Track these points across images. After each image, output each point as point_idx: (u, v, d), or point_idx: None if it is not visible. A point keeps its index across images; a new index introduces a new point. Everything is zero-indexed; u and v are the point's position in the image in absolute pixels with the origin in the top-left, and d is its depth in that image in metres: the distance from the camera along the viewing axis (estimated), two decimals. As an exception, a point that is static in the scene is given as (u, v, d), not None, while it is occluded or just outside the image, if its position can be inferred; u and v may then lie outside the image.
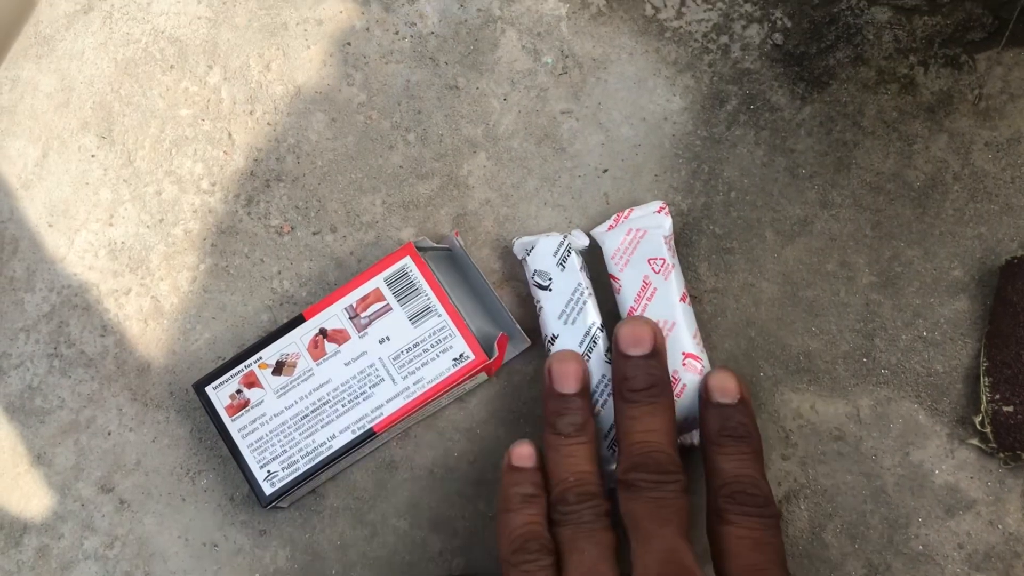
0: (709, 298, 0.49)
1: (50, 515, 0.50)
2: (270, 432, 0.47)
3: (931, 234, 0.48)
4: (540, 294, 0.47)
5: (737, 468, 0.42)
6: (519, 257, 0.49)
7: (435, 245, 0.49)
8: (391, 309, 0.48)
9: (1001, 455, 0.45)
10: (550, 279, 0.47)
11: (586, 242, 0.48)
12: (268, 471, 0.46)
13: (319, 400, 0.47)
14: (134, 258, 0.52)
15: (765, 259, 0.49)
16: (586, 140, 0.51)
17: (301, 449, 0.46)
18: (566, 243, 0.47)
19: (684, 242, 0.50)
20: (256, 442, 0.47)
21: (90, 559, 0.49)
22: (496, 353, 0.47)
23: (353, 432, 0.46)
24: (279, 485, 0.46)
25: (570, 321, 0.47)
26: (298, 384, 0.47)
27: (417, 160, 0.52)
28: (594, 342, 0.46)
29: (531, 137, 0.51)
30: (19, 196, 0.53)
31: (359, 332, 0.47)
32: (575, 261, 0.47)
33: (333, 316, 0.48)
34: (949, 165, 0.49)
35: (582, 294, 0.47)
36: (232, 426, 0.47)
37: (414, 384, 0.47)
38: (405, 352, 0.47)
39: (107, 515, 0.50)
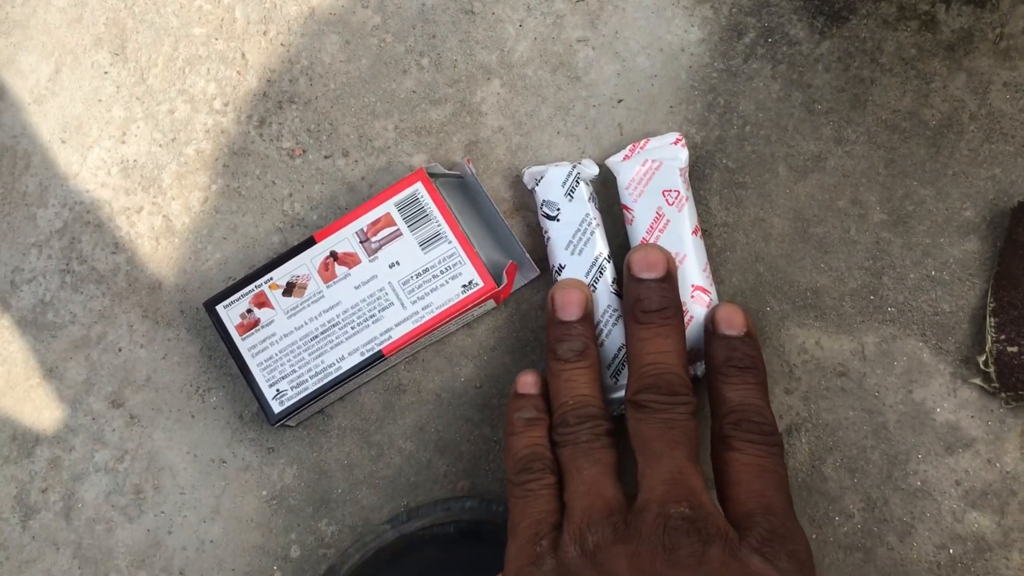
0: (719, 232, 0.49)
1: (62, 428, 0.51)
2: (280, 352, 0.47)
3: (944, 174, 0.48)
4: (548, 224, 0.47)
5: (742, 397, 0.43)
6: (528, 187, 0.49)
7: (447, 172, 0.49)
8: (401, 234, 0.48)
9: (1003, 395, 0.46)
10: (558, 209, 0.47)
11: (595, 171, 0.48)
12: (277, 390, 0.47)
13: (329, 322, 0.47)
14: (146, 176, 0.52)
15: (777, 194, 0.49)
16: (602, 69, 0.51)
17: (310, 369, 0.47)
18: (575, 173, 0.47)
19: (697, 175, 0.49)
20: (265, 361, 0.47)
21: (100, 471, 0.50)
22: (505, 281, 0.48)
23: (362, 354, 0.47)
24: (288, 404, 0.47)
25: (577, 251, 0.47)
26: (308, 305, 0.48)
27: (430, 85, 0.51)
28: (600, 272, 0.46)
29: (546, 65, 0.51)
30: (32, 111, 0.53)
31: (369, 256, 0.48)
32: (583, 191, 0.47)
33: (344, 239, 0.48)
34: (966, 105, 0.48)
35: (590, 224, 0.47)
36: (242, 345, 0.48)
37: (423, 309, 0.47)
38: (415, 277, 0.47)
39: (117, 429, 0.51)
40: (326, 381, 0.47)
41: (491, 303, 0.49)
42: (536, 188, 0.48)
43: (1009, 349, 0.45)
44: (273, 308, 0.48)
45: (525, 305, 0.50)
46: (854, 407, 0.47)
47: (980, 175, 0.48)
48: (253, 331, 0.48)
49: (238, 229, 0.51)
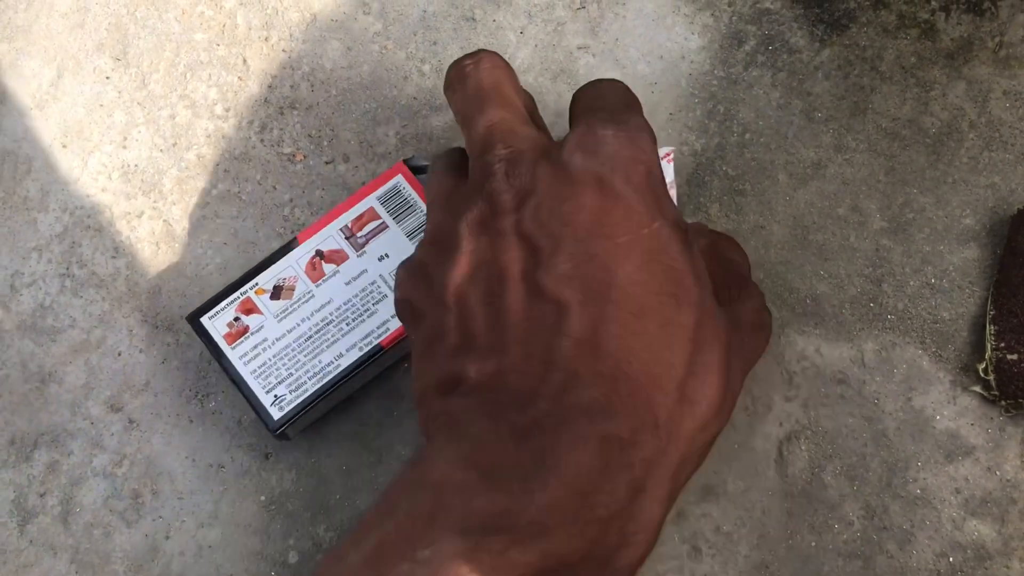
0: (719, 239, 0.49)
1: (60, 432, 0.51)
2: (273, 356, 0.47)
3: (944, 182, 0.48)
4: None
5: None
6: None
7: (428, 163, 0.49)
8: (387, 227, 0.48)
9: (1003, 403, 0.45)
10: None
11: None
12: (275, 396, 0.47)
13: (322, 320, 0.47)
14: (147, 181, 0.52)
15: (777, 202, 0.49)
16: (602, 76, 0.51)
17: (308, 371, 0.47)
18: None
19: (696, 182, 0.50)
20: (259, 368, 0.47)
21: (99, 476, 0.50)
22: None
23: (360, 349, 0.47)
24: (288, 408, 0.46)
25: None
26: (298, 307, 0.47)
27: (432, 92, 0.52)
28: None
29: (547, 72, 0.51)
30: (33, 116, 0.54)
31: (357, 251, 0.48)
32: None
33: (328, 237, 0.48)
34: (966, 113, 0.48)
35: None
36: (232, 354, 0.47)
37: None
38: None
39: (116, 434, 0.51)
40: (326, 381, 0.46)
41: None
42: None
43: (1009, 357, 0.45)
44: (262, 313, 0.47)
45: (525, 311, 0.50)
46: (853, 414, 0.47)
47: (980, 183, 0.48)
48: (243, 339, 0.47)
49: (239, 234, 0.51)
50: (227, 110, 0.52)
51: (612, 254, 0.33)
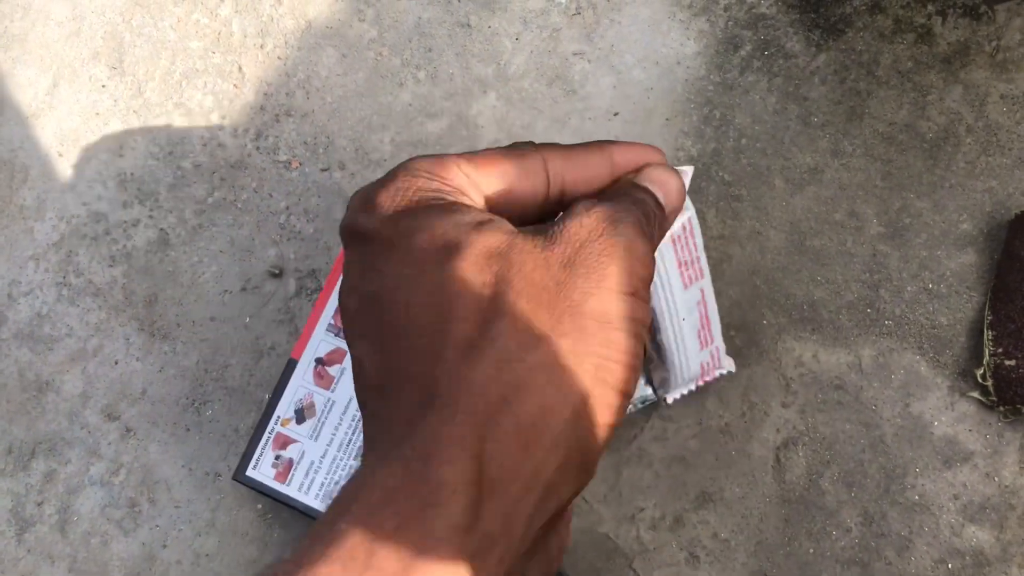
0: (716, 245, 0.49)
1: (57, 441, 0.51)
2: (327, 474, 0.46)
3: (941, 186, 0.48)
4: None
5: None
6: None
7: None
8: None
9: (1001, 408, 0.45)
10: None
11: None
12: None
13: (353, 420, 0.47)
14: (143, 189, 0.52)
15: (773, 207, 0.49)
16: (597, 82, 0.51)
17: None
18: None
19: (693, 188, 0.49)
20: (319, 490, 0.46)
21: (96, 484, 0.50)
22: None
23: None
24: None
25: None
26: (326, 418, 0.47)
27: (427, 98, 0.51)
28: None
29: (542, 78, 0.51)
30: (30, 124, 0.54)
31: None
32: None
33: (320, 342, 0.47)
34: (963, 117, 0.48)
35: None
36: (290, 490, 0.46)
37: None
38: None
39: (113, 442, 0.50)
40: None
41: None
42: None
43: (1007, 362, 0.45)
44: (298, 441, 0.47)
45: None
46: (851, 420, 0.47)
47: (977, 187, 0.48)
48: (292, 472, 0.47)
49: (235, 242, 0.51)
50: (223, 118, 0.52)
51: (382, 281, 0.32)
